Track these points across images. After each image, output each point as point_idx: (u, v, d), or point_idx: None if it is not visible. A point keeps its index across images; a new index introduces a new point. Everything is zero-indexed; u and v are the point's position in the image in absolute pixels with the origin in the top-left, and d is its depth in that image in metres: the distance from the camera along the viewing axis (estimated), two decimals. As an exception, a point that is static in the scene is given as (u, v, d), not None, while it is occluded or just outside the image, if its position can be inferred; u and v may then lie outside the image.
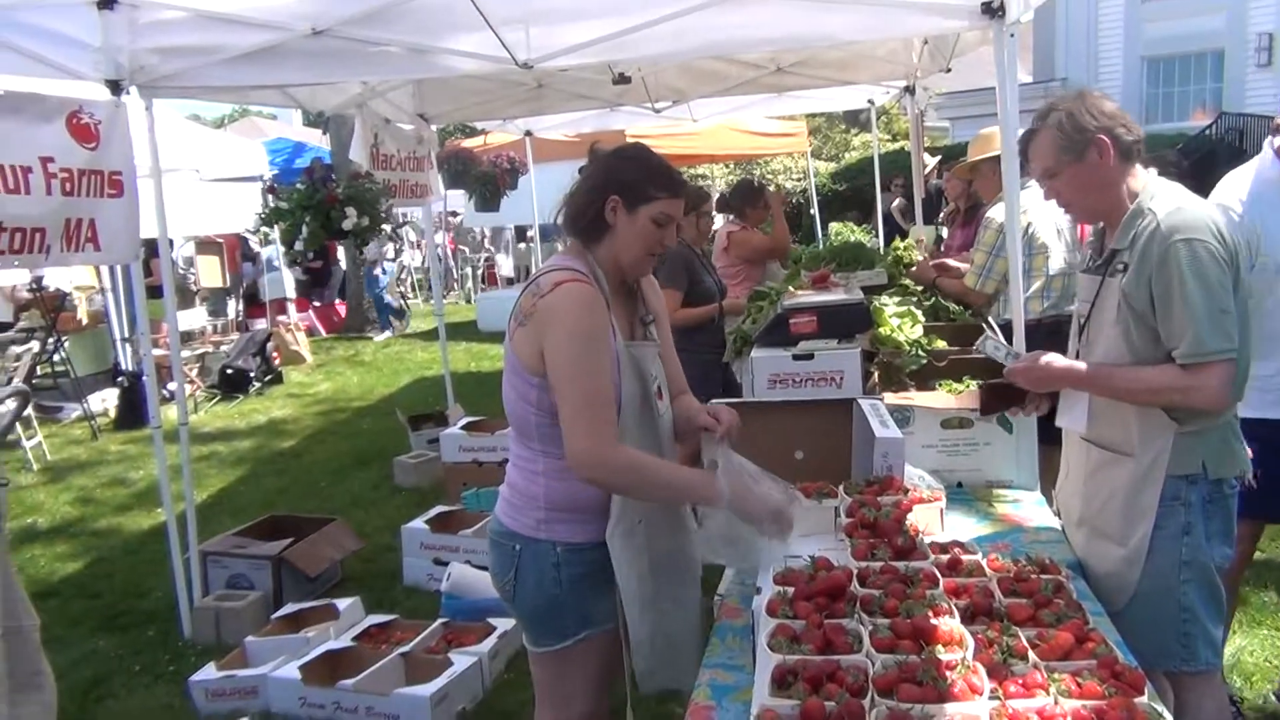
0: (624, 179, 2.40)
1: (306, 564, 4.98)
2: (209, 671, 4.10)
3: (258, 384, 10.54)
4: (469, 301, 17.85)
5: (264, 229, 6.92)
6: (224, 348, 10.97)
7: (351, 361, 12.41)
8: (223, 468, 7.82)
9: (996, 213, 4.49)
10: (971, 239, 5.00)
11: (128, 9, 4.14)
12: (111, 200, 4.24)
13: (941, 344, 3.89)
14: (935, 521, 2.71)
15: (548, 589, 2.46)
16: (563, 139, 10.20)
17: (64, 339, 9.55)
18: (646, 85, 6.87)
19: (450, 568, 4.82)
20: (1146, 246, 2.42)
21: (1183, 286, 2.35)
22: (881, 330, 3.92)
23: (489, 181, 8.97)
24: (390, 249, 14.40)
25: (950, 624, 1.94)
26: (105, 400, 9.77)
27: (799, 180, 18.26)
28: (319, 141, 14.62)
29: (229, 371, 10.37)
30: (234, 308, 13.56)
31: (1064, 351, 2.91)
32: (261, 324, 12.94)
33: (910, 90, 7.62)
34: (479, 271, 19.90)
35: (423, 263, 19.33)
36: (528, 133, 9.43)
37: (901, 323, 3.97)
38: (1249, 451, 2.58)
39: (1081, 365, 2.61)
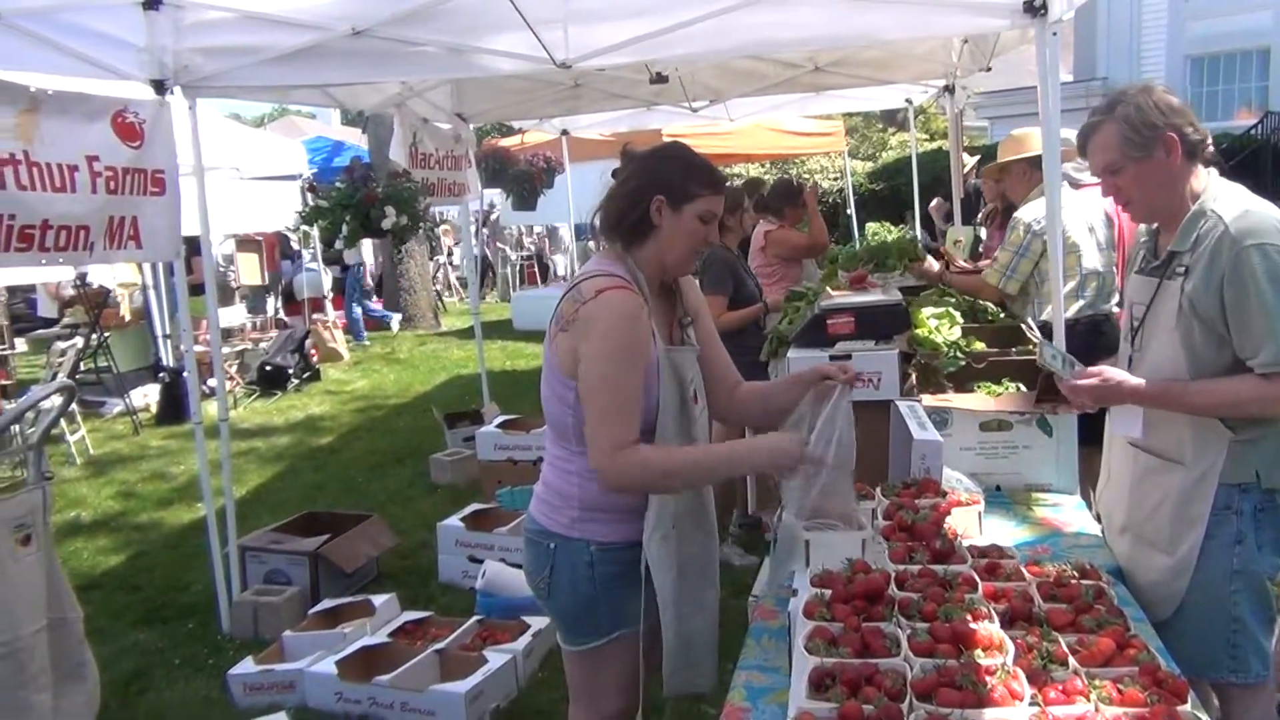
0: (667, 178, 2.39)
1: (343, 560, 5.03)
2: (247, 665, 4.15)
3: (296, 381, 10.66)
4: (505, 300, 17.93)
5: (303, 228, 6.97)
6: (263, 345, 11.10)
7: (388, 359, 12.51)
8: (261, 463, 7.91)
9: (1024, 213, 4.45)
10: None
11: (172, 9, 4.19)
12: (154, 198, 4.30)
13: (980, 345, 3.85)
14: (973, 525, 2.69)
15: (582, 587, 2.46)
16: (599, 138, 10.21)
17: (107, 335, 9.70)
18: (683, 84, 6.87)
19: (485, 565, 4.84)
20: (1214, 251, 2.33)
21: (1259, 294, 2.27)
22: (919, 331, 3.89)
23: (526, 180, 9.01)
24: (366, 254, 14.05)
25: (989, 628, 1.93)
26: (147, 395, 9.92)
27: (836, 180, 18.13)
28: (358, 140, 14.72)
29: (268, 368, 10.49)
30: (273, 305, 13.71)
31: (1109, 351, 2.86)
32: (299, 322, 13.07)
33: (949, 90, 7.55)
34: (518, 270, 19.99)
35: (461, 260, 19.42)
36: (564, 132, 9.45)
37: (940, 324, 3.94)
38: None
39: (1146, 383, 2.48)
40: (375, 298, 15.61)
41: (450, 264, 19.75)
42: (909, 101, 8.85)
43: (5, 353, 9.05)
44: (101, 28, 4.27)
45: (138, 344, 10.78)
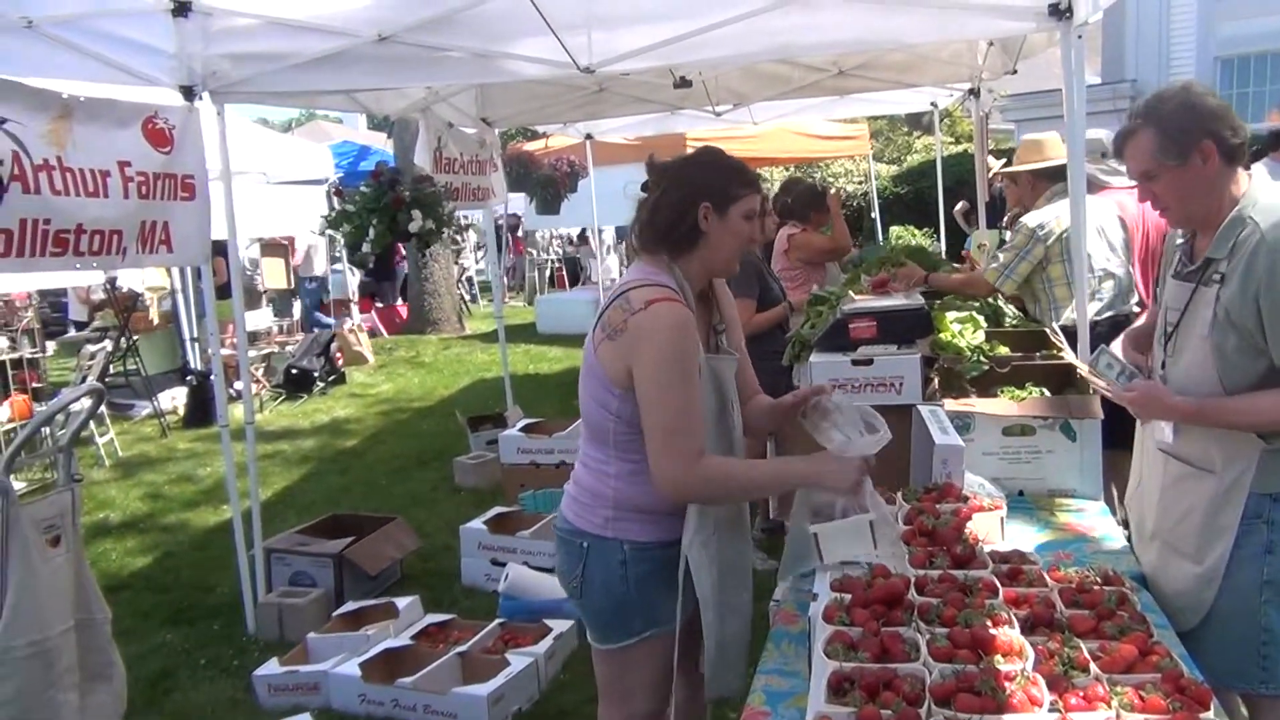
0: (710, 184, 2.43)
1: (367, 562, 5.06)
2: (272, 666, 4.19)
3: (321, 384, 10.73)
4: (531, 304, 17.99)
5: (329, 232, 7.03)
6: (289, 348, 11.19)
7: (413, 363, 12.57)
8: (287, 466, 7.98)
9: (1031, 218, 4.49)
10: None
11: (201, 17, 4.24)
12: (184, 203, 4.34)
13: (1004, 350, 3.83)
14: (995, 530, 2.67)
15: (614, 587, 2.48)
16: (623, 142, 10.23)
17: (135, 338, 9.81)
18: (707, 88, 6.88)
19: (508, 568, 4.86)
20: (1251, 259, 2.28)
21: None
22: (942, 336, 3.88)
23: (549, 185, 9.05)
24: (319, 256, 13.86)
25: (1010, 634, 1.92)
26: (174, 398, 10.02)
27: (860, 183, 18.08)
28: (383, 145, 14.82)
29: (294, 371, 10.56)
30: (299, 309, 13.80)
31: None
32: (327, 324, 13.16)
33: (975, 93, 7.53)
34: (547, 274, 20.05)
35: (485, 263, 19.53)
36: (588, 136, 9.49)
37: (963, 328, 3.92)
38: None
39: (1183, 402, 2.45)
40: (402, 300, 15.72)
41: (470, 269, 19.82)
42: (934, 105, 8.83)
43: (37, 356, 9.16)
44: (131, 34, 4.33)
45: (166, 347, 10.90)
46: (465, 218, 16.91)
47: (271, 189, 10.45)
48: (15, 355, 8.75)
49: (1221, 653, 2.40)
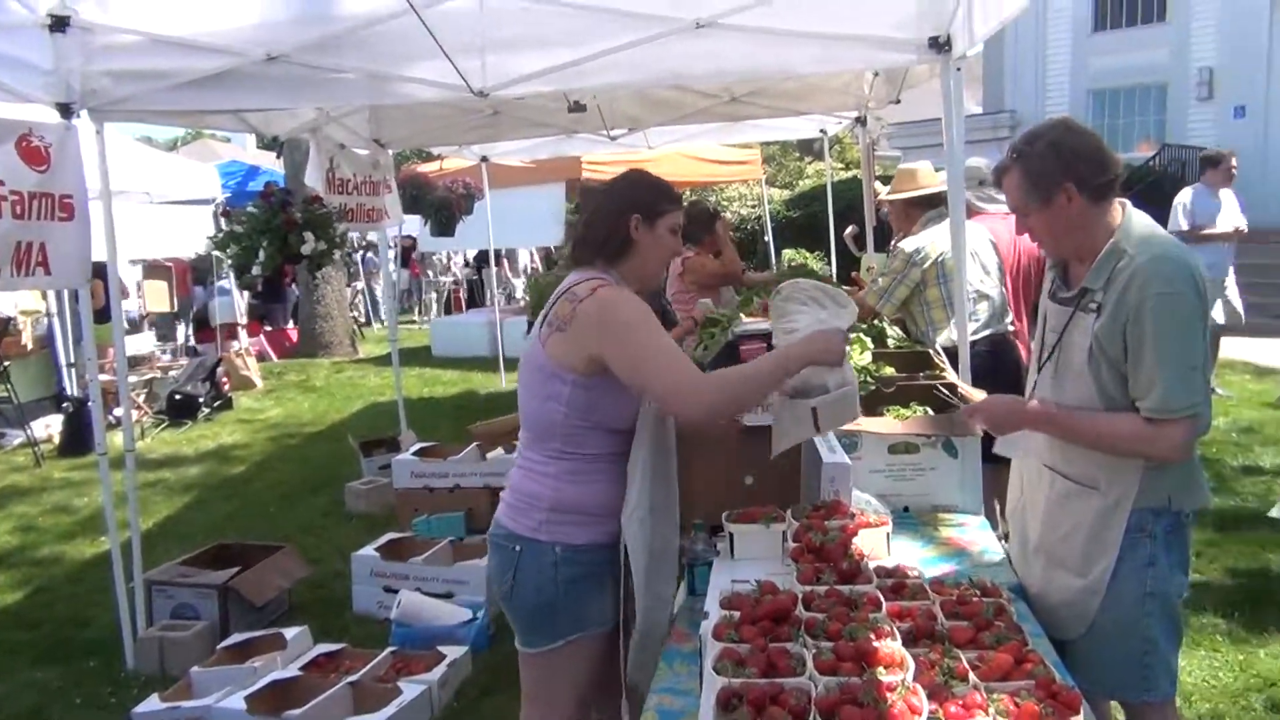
0: (640, 198, 2.65)
1: (254, 593, 4.92)
2: (153, 703, 4.03)
3: (207, 410, 10.41)
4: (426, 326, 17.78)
5: (215, 253, 6.85)
6: (172, 373, 10.83)
7: (303, 387, 12.29)
8: (170, 495, 7.71)
9: (907, 243, 4.65)
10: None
11: (80, 32, 4.11)
12: (62, 224, 4.18)
13: (890, 370, 3.95)
14: (881, 546, 2.75)
15: (545, 588, 2.57)
16: (519, 165, 10.23)
17: (7, 364, 9.37)
18: (602, 113, 6.93)
19: (400, 595, 4.79)
20: (1124, 293, 2.36)
21: (1156, 341, 2.32)
22: (831, 357, 3.97)
23: (445, 207, 8.99)
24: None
25: (891, 646, 1.98)
26: (49, 426, 9.58)
27: (753, 207, 18.40)
28: (273, 164, 14.52)
29: (177, 397, 10.22)
30: (183, 332, 13.39)
31: (1010, 368, 2.96)
32: (211, 349, 12.80)
33: (862, 121, 7.76)
34: (444, 296, 19.84)
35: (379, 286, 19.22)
36: (484, 158, 9.46)
37: (851, 349, 4.02)
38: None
39: (1036, 406, 2.58)
40: (292, 323, 15.38)
41: (363, 291, 19.49)
42: (823, 132, 9.06)
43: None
44: (5, 50, 4.15)
45: (40, 373, 10.42)
46: (362, 239, 16.69)
47: (155, 209, 10.13)
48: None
49: (1105, 663, 2.49)
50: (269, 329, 15.27)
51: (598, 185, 2.72)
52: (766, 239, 14.73)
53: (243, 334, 13.69)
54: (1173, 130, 18.36)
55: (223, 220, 5.84)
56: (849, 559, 2.45)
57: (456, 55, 4.12)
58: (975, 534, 3.13)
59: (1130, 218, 2.49)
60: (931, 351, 4.25)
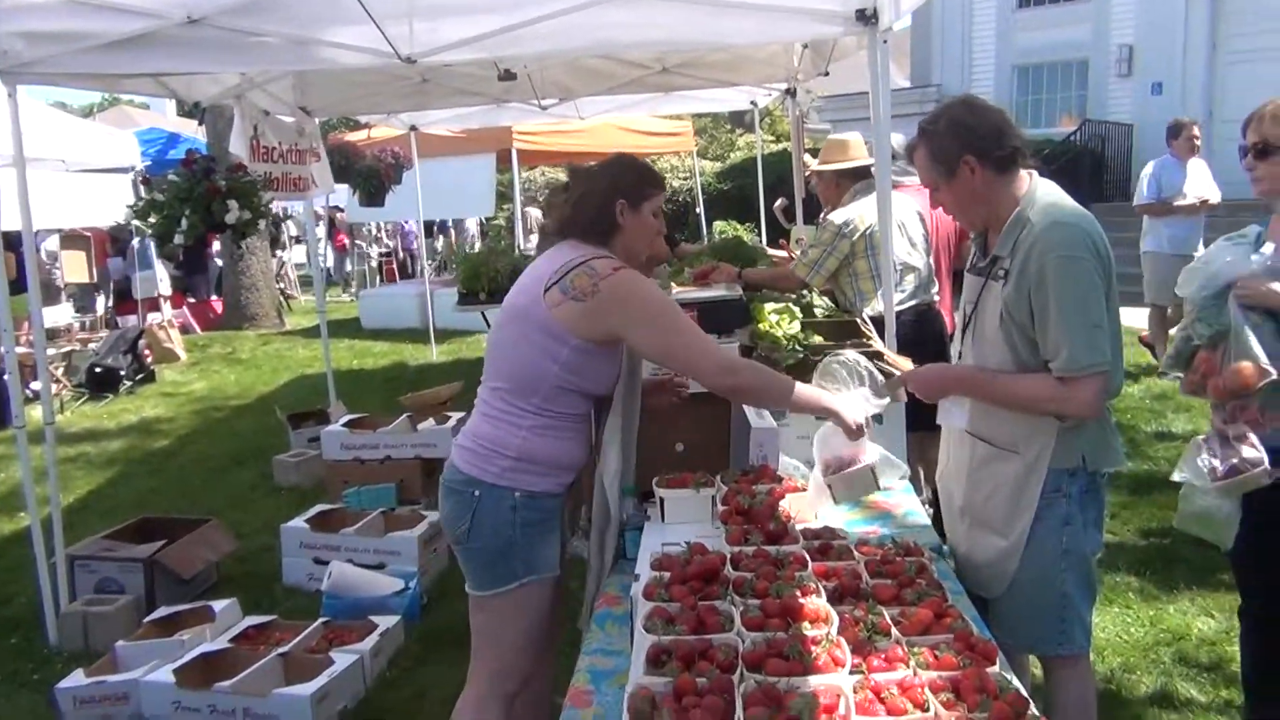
0: (625, 182, 2.75)
1: (180, 566, 4.85)
2: (77, 678, 3.96)
3: (128, 383, 10.18)
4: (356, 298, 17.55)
5: (135, 223, 6.67)
6: (92, 345, 10.55)
7: (228, 359, 12.07)
8: (91, 469, 7.54)
9: (836, 215, 4.72)
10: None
11: (-12, -9, 3.97)
12: (-30, 190, 4.06)
13: (818, 339, 4.01)
14: (807, 509, 2.81)
15: (503, 530, 2.65)
16: (448, 134, 10.11)
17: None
18: (533, 82, 6.88)
19: (331, 566, 4.76)
20: (1026, 260, 2.45)
21: (1059, 302, 2.40)
22: (760, 326, 4.02)
23: (374, 176, 8.85)
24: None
25: (817, 603, 2.04)
26: (-37, 400, 9.30)
27: (685, 179, 18.45)
28: (194, 133, 14.15)
29: (97, 370, 9.97)
30: (103, 304, 13.04)
31: (936, 337, 3.04)
32: (133, 320, 12.48)
33: (791, 93, 7.81)
34: (375, 266, 19.58)
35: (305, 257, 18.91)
36: (413, 127, 9.34)
37: (780, 319, 4.07)
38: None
39: (964, 369, 2.69)
40: (216, 295, 15.06)
41: (289, 262, 19.15)
42: (754, 104, 9.09)
43: None
44: (-92, 8, 4.01)
45: (-48, 346, 10.11)
46: (285, 209, 16.37)
47: (72, 177, 9.84)
48: None
49: (1024, 617, 2.60)
50: (193, 301, 14.93)
51: (585, 167, 2.85)
52: (699, 211, 14.79)
53: (166, 306, 13.38)
54: (1094, 106, 18.73)
55: (143, 188, 5.67)
56: (776, 520, 2.50)
57: (383, 20, 4.06)
58: (900, 497, 3.21)
59: (1035, 187, 2.58)
60: (859, 321, 4.33)
